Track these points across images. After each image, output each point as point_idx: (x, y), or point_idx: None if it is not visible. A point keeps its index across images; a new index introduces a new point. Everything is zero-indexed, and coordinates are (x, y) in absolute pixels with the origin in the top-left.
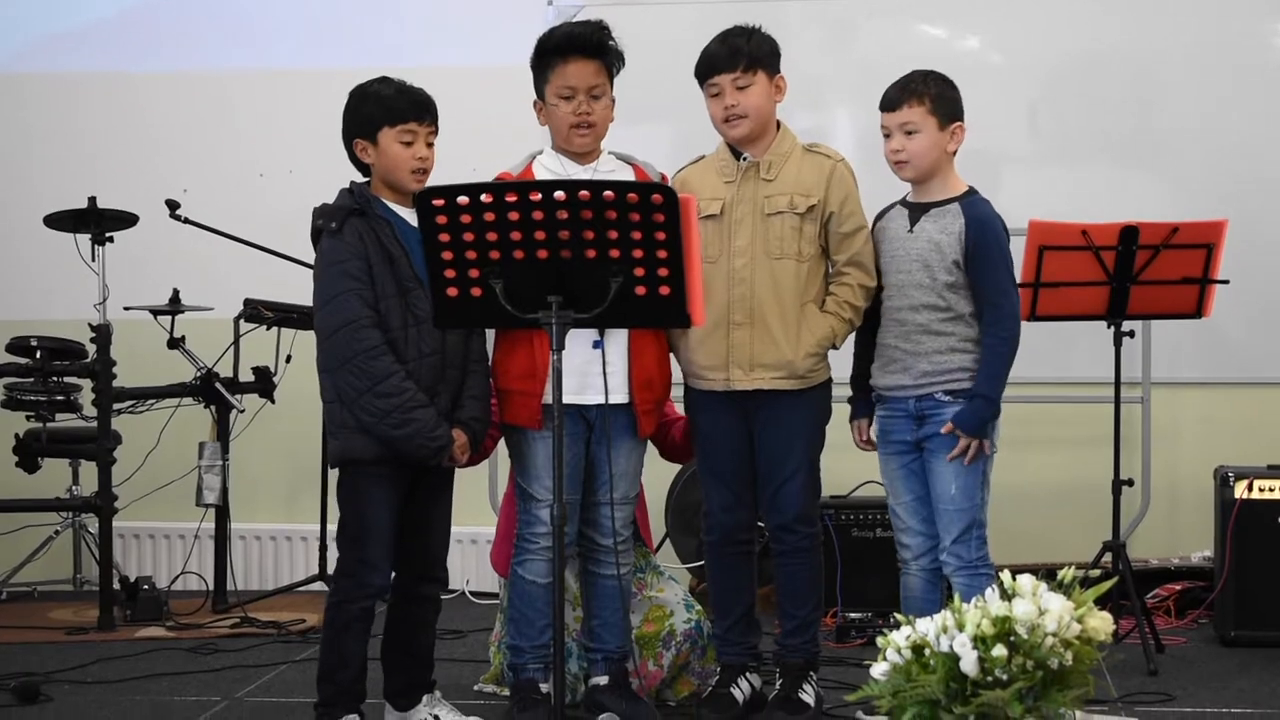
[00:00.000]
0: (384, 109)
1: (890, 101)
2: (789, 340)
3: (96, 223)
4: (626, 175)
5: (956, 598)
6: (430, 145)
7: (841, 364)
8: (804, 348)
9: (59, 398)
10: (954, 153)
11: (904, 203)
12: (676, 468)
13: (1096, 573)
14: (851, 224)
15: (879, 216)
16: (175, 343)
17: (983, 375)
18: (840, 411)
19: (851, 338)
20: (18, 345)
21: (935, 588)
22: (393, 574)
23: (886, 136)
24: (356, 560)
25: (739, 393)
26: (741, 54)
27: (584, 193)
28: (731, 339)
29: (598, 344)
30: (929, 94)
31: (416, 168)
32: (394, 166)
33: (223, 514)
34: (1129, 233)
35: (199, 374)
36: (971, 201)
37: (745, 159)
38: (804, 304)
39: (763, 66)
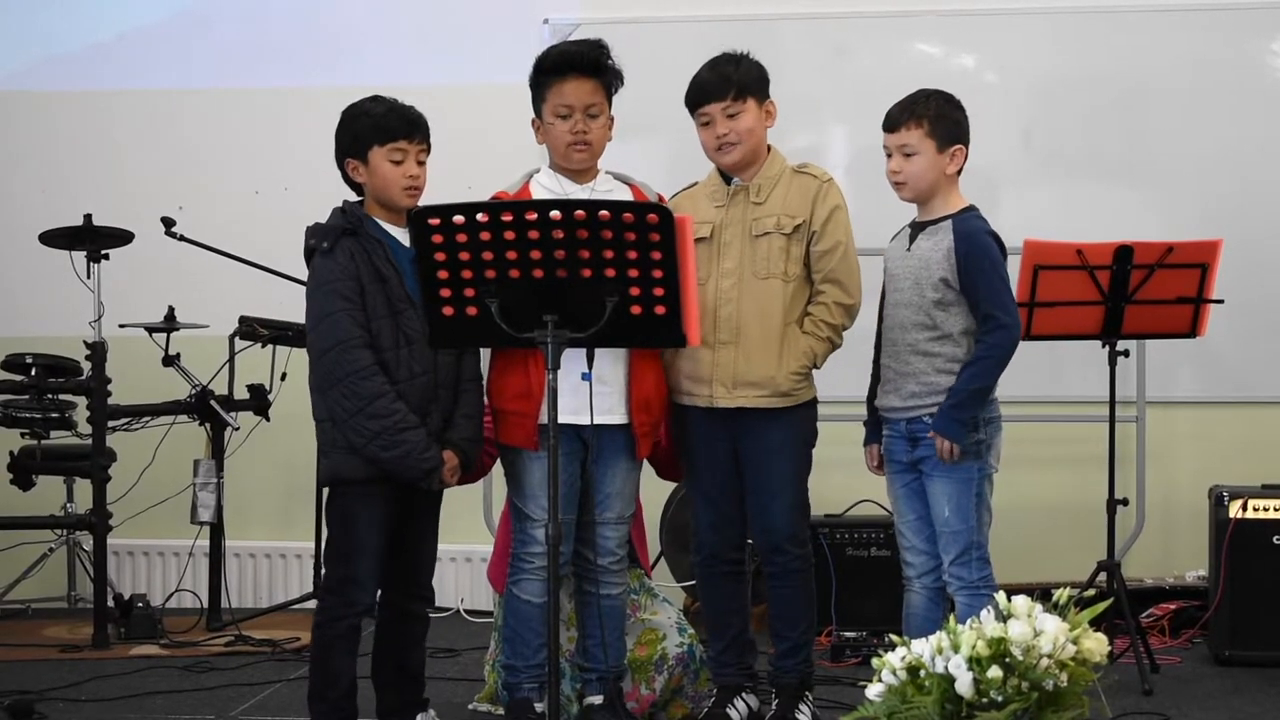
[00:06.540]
0: (374, 128)
1: (890, 122)
2: (772, 360)
3: (92, 240)
4: (624, 194)
5: (952, 619)
6: (421, 163)
7: (846, 385)
8: (786, 367)
9: (54, 415)
10: (955, 174)
11: (911, 224)
12: (671, 486)
13: (1091, 592)
14: (828, 241)
15: (893, 239)
16: (170, 360)
17: (960, 376)
18: (831, 430)
19: (868, 359)
20: (13, 362)
21: (938, 606)
22: (378, 592)
23: (888, 156)
24: (343, 578)
25: (723, 411)
26: (730, 82)
27: (580, 212)
28: (716, 357)
29: (586, 376)
30: (928, 116)
31: (408, 185)
32: (385, 185)
33: (217, 531)
34: (1124, 252)
35: (194, 391)
36: (963, 218)
37: (735, 183)
38: (788, 324)
39: (752, 93)
